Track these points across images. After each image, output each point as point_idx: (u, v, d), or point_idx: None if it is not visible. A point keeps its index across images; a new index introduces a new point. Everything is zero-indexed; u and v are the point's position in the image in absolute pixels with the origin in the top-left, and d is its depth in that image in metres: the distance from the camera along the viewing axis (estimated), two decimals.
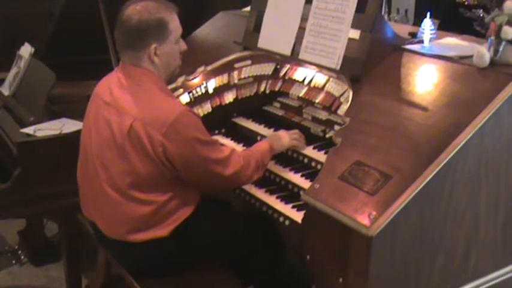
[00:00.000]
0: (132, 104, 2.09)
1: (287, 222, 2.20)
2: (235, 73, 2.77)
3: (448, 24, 2.81)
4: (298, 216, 2.14)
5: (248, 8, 2.84)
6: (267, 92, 2.81)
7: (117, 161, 2.11)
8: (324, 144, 2.40)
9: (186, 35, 2.43)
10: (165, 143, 2.03)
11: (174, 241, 2.15)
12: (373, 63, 2.25)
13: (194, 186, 2.20)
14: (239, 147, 2.60)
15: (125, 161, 2.09)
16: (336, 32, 2.31)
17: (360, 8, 2.26)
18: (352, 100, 2.22)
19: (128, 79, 2.16)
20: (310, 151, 2.40)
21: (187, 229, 2.16)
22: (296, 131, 2.46)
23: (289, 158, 2.46)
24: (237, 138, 2.70)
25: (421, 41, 2.38)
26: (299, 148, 2.41)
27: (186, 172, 2.10)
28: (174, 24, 2.17)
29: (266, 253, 2.34)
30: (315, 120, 2.56)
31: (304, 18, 2.47)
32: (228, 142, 2.68)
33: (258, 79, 2.80)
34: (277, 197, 2.31)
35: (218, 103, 2.77)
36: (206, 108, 2.75)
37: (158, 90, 2.14)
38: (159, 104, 2.09)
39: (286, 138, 2.39)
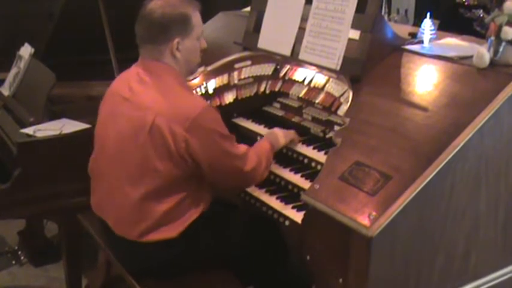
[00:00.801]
0: (154, 99, 2.09)
1: (287, 223, 2.20)
2: (235, 73, 2.77)
3: (448, 25, 2.81)
4: (298, 216, 2.14)
5: (248, 8, 2.84)
6: (267, 92, 2.81)
7: (135, 157, 2.09)
8: (324, 144, 2.40)
9: None
10: (188, 137, 2.03)
11: (182, 243, 2.14)
12: (373, 63, 2.25)
13: (212, 185, 2.20)
14: None
15: (144, 157, 2.08)
16: (336, 32, 2.31)
17: (360, 8, 2.26)
18: (352, 100, 2.22)
19: (149, 74, 2.15)
20: (310, 151, 2.40)
21: (194, 231, 2.15)
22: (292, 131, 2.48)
23: (289, 158, 2.46)
24: (237, 139, 2.69)
25: (421, 42, 2.37)
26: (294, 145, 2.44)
27: (208, 166, 2.10)
28: (197, 20, 2.18)
29: (267, 253, 2.34)
30: (315, 120, 2.56)
31: (304, 19, 2.47)
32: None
33: (258, 79, 2.80)
34: (277, 198, 2.31)
35: (218, 103, 2.77)
36: None
37: (179, 86, 2.14)
38: (181, 100, 2.09)
39: (282, 136, 2.42)
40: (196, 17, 2.18)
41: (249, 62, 2.78)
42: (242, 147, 2.21)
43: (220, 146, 2.10)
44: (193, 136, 2.03)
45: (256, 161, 2.22)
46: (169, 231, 2.13)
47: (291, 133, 2.47)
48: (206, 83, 2.74)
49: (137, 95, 2.13)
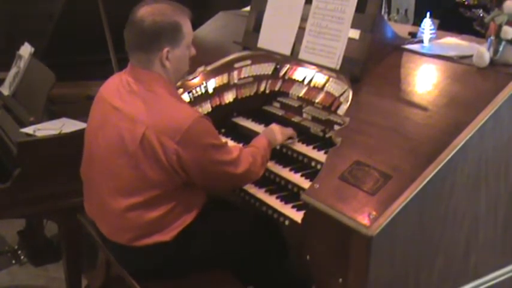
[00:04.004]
0: (144, 111, 2.06)
1: (287, 222, 2.20)
2: (235, 73, 2.77)
3: (447, 24, 2.80)
4: (298, 216, 2.14)
5: (248, 8, 2.84)
6: (267, 91, 2.81)
7: (127, 168, 2.08)
8: (323, 144, 2.40)
9: None
10: (179, 150, 2.01)
11: (177, 246, 2.14)
12: (373, 63, 2.25)
13: (205, 190, 2.20)
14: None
15: (135, 169, 2.07)
16: (336, 32, 2.31)
17: (360, 8, 2.26)
18: (352, 100, 2.22)
19: (138, 83, 2.12)
20: (310, 151, 2.40)
21: (190, 233, 2.15)
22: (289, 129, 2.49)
23: (289, 158, 2.46)
24: (236, 138, 2.70)
25: (421, 41, 2.38)
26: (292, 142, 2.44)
27: (200, 177, 2.09)
28: (188, 29, 2.15)
29: (267, 253, 2.34)
30: (315, 120, 2.56)
31: (304, 18, 2.47)
32: (228, 142, 2.68)
33: (258, 79, 2.80)
34: (277, 197, 2.31)
35: (218, 103, 2.77)
36: (206, 108, 2.75)
37: (169, 96, 2.11)
38: (171, 111, 2.06)
39: (279, 133, 2.42)
40: (187, 25, 2.14)
41: (248, 62, 2.77)
42: (235, 151, 2.18)
43: (212, 157, 2.08)
44: (184, 149, 2.02)
45: (250, 162, 2.20)
46: (162, 236, 2.12)
47: (288, 130, 2.47)
48: (206, 83, 2.74)
49: (127, 106, 2.11)
